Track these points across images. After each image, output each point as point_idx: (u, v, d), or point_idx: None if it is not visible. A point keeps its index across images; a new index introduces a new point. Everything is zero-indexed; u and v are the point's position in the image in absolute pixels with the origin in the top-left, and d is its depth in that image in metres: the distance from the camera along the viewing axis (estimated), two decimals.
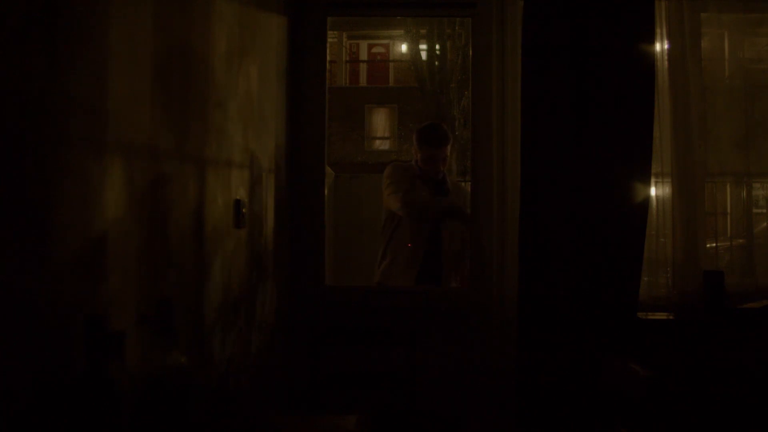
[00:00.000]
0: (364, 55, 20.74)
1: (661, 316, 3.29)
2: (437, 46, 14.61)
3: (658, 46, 3.28)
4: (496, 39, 3.41)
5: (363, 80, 20.69)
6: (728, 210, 3.65)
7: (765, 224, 3.75)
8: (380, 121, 19.49)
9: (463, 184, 4.17)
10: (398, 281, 3.74)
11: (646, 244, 3.19)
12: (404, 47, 17.65)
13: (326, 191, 3.60)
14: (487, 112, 3.43)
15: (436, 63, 14.49)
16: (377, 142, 19.41)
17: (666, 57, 3.33)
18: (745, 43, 3.48)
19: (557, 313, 3.11)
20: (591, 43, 3.13)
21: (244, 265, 2.73)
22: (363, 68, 20.76)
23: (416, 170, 3.87)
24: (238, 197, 2.59)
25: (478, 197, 3.44)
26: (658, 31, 3.27)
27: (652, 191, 3.28)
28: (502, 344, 3.29)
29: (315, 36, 3.54)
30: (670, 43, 3.33)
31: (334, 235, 6.82)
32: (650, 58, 3.17)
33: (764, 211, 3.76)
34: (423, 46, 15.03)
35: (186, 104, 2.12)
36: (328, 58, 3.63)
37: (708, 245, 3.38)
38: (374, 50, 20.64)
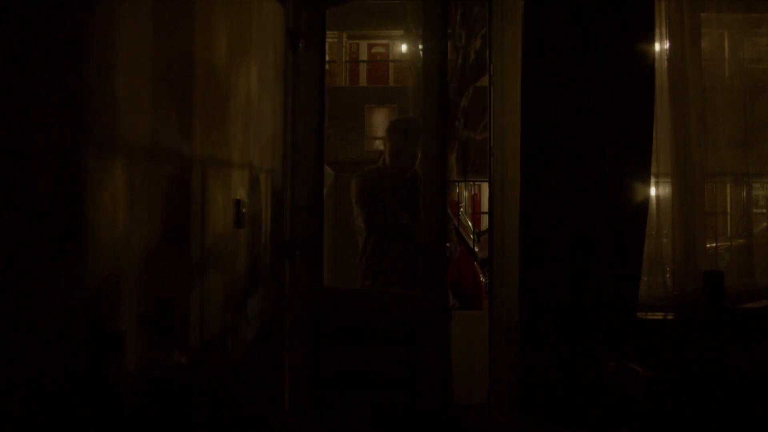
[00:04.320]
0: (364, 55, 20.74)
1: (661, 316, 3.29)
2: None
3: (658, 46, 3.28)
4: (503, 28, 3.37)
5: (363, 80, 20.68)
6: (728, 210, 3.65)
7: (765, 224, 3.75)
8: (380, 121, 19.49)
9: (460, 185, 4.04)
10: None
11: (646, 244, 3.19)
12: (404, 47, 17.64)
13: (326, 191, 3.60)
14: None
15: None
16: (377, 142, 19.40)
17: (666, 57, 3.33)
18: (745, 43, 3.48)
19: (557, 314, 3.11)
20: (591, 43, 3.13)
21: (244, 264, 2.73)
22: (363, 68, 20.75)
23: (385, 171, 3.64)
24: (238, 197, 2.59)
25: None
26: (658, 31, 3.26)
27: (652, 191, 3.28)
28: (502, 344, 3.29)
29: (313, 31, 3.52)
30: (670, 43, 3.33)
31: (333, 235, 6.81)
32: (650, 58, 3.17)
33: (764, 211, 3.76)
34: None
35: (186, 104, 2.11)
36: (327, 57, 3.61)
37: (708, 245, 3.38)
38: (374, 50, 20.64)
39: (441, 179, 3.02)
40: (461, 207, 9.61)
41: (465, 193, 12.37)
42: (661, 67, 3.30)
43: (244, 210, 2.65)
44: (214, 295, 2.36)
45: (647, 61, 3.16)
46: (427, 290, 2.97)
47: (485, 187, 4.83)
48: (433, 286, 2.95)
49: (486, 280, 6.57)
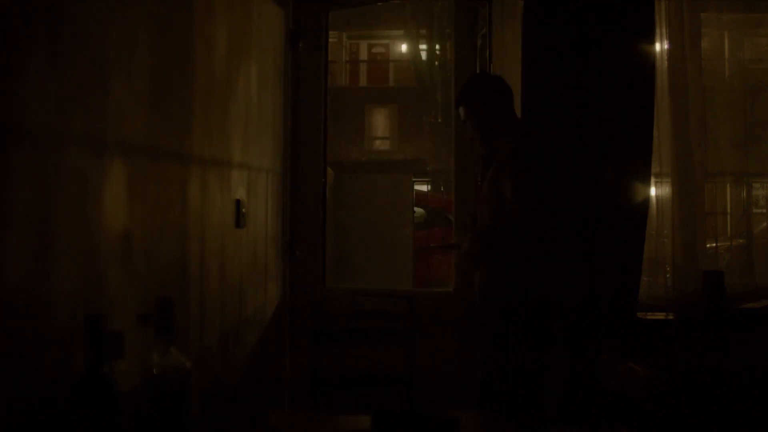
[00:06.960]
0: (364, 55, 20.71)
1: (661, 316, 3.29)
2: (437, 46, 14.60)
3: (658, 46, 3.28)
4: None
5: (363, 80, 20.66)
6: (728, 210, 3.65)
7: (765, 224, 3.76)
8: (380, 121, 19.48)
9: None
10: None
11: (646, 244, 3.19)
12: (404, 47, 17.63)
13: (327, 191, 3.60)
14: None
15: (436, 63, 14.48)
16: (377, 142, 19.40)
17: (666, 57, 3.33)
18: (745, 43, 3.48)
19: (557, 313, 3.11)
20: (591, 43, 3.13)
21: (244, 264, 2.73)
22: (363, 68, 20.73)
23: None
24: (238, 197, 2.59)
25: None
26: (658, 31, 3.26)
27: (652, 191, 3.28)
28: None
29: (315, 32, 3.53)
30: (670, 43, 3.33)
31: (334, 235, 6.82)
32: (650, 58, 3.17)
33: (764, 211, 3.76)
34: (423, 46, 15.01)
35: (186, 104, 2.12)
36: (329, 57, 3.61)
37: (708, 245, 3.38)
38: (374, 50, 20.62)
39: None
40: None
41: None
42: (661, 67, 3.30)
43: (244, 210, 2.65)
44: (214, 294, 2.37)
45: (647, 61, 3.16)
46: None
47: None
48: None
49: None
